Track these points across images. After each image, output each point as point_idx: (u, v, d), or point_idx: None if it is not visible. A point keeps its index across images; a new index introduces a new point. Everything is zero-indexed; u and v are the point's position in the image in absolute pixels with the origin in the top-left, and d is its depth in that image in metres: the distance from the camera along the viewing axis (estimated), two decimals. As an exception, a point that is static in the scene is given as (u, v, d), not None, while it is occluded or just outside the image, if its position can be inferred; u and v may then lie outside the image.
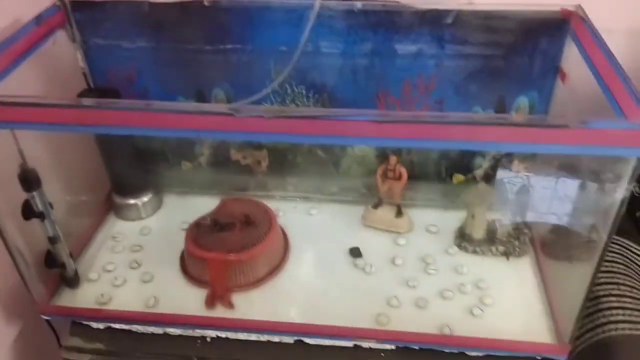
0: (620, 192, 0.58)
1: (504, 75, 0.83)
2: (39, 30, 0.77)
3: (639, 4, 0.89)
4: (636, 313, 0.90)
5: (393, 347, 0.78)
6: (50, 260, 0.81)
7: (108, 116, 0.60)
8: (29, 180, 0.74)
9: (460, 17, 0.78)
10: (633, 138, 0.53)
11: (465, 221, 0.89)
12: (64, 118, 0.60)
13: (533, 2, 0.76)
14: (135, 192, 0.97)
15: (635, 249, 1.03)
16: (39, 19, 0.77)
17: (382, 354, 0.77)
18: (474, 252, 0.88)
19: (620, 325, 0.89)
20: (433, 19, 0.79)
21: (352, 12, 0.80)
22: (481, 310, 0.80)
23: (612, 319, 0.90)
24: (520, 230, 0.88)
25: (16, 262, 0.77)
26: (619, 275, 0.97)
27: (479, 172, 0.92)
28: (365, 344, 0.78)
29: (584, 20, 0.73)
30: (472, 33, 0.80)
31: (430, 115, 0.56)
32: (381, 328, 0.77)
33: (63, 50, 0.84)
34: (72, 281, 0.85)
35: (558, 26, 0.77)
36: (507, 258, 0.87)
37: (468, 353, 0.76)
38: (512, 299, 0.81)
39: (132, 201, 0.96)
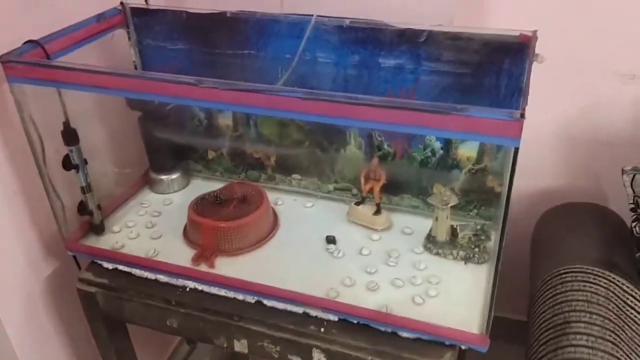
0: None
1: (475, 93, 0.92)
2: (99, 26, 0.99)
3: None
4: (600, 341, 0.91)
5: (336, 318, 0.87)
6: (82, 208, 1.01)
7: (121, 81, 0.78)
8: (69, 136, 0.94)
9: (432, 37, 0.89)
10: (505, 127, 0.61)
11: (432, 224, 0.96)
12: (94, 81, 0.80)
13: (498, 26, 0.86)
14: (166, 170, 1.15)
15: (623, 284, 1.03)
16: (99, 17, 0.99)
17: (325, 323, 0.87)
18: (437, 253, 0.95)
19: (580, 350, 0.91)
20: (410, 38, 0.91)
21: (343, 27, 0.94)
22: (422, 299, 0.87)
23: (574, 342, 0.93)
24: (479, 238, 0.94)
25: (53, 206, 0.97)
26: (595, 306, 0.99)
27: (456, 184, 1.00)
28: (313, 312, 0.88)
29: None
30: (443, 52, 0.90)
31: (342, 96, 0.68)
32: (327, 298, 0.87)
33: (119, 46, 1.06)
34: (98, 229, 1.04)
35: (518, 49, 0.85)
36: (465, 263, 0.93)
37: (400, 333, 0.84)
38: (454, 296, 0.87)
39: (162, 177, 1.15)
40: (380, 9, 0.95)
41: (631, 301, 1.03)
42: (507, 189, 0.67)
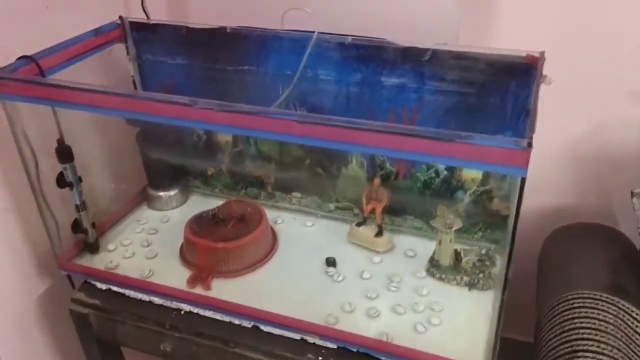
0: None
1: (480, 114, 0.89)
2: (96, 40, 0.97)
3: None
4: (608, 372, 0.88)
5: (334, 346, 0.84)
6: (76, 226, 0.99)
7: (114, 101, 0.76)
8: (64, 153, 0.92)
9: (437, 56, 0.87)
10: (510, 156, 0.58)
11: (435, 248, 0.93)
12: (86, 99, 0.77)
13: (504, 46, 0.83)
14: (164, 186, 1.13)
15: (633, 311, 1.00)
16: (97, 31, 0.97)
17: (323, 351, 0.84)
18: (440, 278, 0.92)
19: (586, 380, 0.87)
20: (414, 56, 0.88)
21: (345, 45, 0.91)
22: (425, 327, 0.84)
23: (580, 372, 0.89)
24: (484, 263, 0.90)
25: (46, 224, 0.95)
26: (604, 334, 0.95)
27: (461, 205, 0.97)
28: (311, 339, 0.85)
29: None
30: (448, 71, 0.87)
31: (341, 120, 0.65)
32: (326, 325, 0.84)
33: (117, 61, 1.04)
34: (92, 247, 1.01)
35: (525, 70, 0.82)
36: (469, 289, 0.90)
37: (400, 363, 0.80)
38: (458, 324, 0.84)
39: (160, 193, 1.13)
40: (384, 27, 0.93)
41: (642, 329, 0.99)
42: (514, 219, 0.63)
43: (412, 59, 0.88)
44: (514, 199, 0.62)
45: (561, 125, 1.20)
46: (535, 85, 0.73)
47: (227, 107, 0.69)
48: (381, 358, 0.82)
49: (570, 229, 1.26)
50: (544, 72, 0.79)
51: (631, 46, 1.07)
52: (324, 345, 0.84)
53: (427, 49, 0.86)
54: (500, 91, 0.86)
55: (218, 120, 0.70)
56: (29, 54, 0.85)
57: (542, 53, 0.80)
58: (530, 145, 0.57)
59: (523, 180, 0.60)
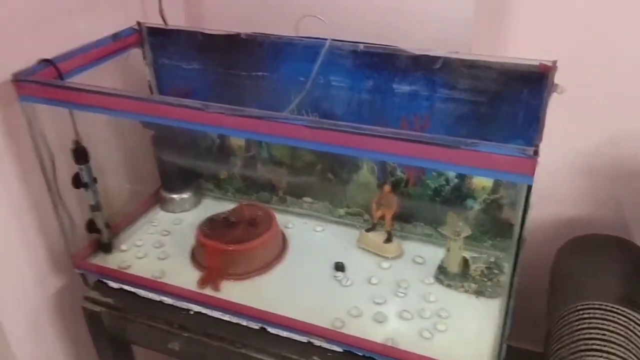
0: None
1: (491, 122, 0.89)
2: (114, 44, 0.99)
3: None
4: (617, 384, 0.87)
5: (341, 349, 0.84)
6: (91, 226, 1.01)
7: (128, 104, 0.78)
8: (80, 154, 0.94)
9: (448, 64, 0.87)
10: (517, 164, 0.58)
11: (444, 255, 0.94)
12: (101, 102, 0.79)
13: (519, 54, 0.83)
14: (178, 189, 1.15)
15: (644, 323, 0.99)
16: (115, 36, 1.00)
17: (329, 354, 0.85)
18: (448, 285, 0.92)
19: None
20: (426, 64, 0.89)
21: (357, 52, 0.92)
22: (431, 334, 0.84)
23: (589, 384, 0.88)
24: (492, 271, 0.90)
25: (61, 223, 0.97)
26: (613, 346, 0.94)
27: (471, 213, 0.97)
28: (317, 342, 0.85)
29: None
30: (460, 79, 0.88)
31: (347, 126, 0.66)
32: (332, 329, 0.85)
33: (134, 65, 1.06)
34: (106, 247, 1.03)
35: (537, 79, 0.82)
36: (477, 297, 0.90)
37: (406, 369, 0.81)
38: (464, 331, 0.84)
39: (173, 195, 1.15)
40: (397, 34, 0.94)
41: (652, 342, 0.98)
42: (520, 227, 0.64)
43: (424, 67, 0.89)
44: (520, 207, 0.62)
45: (576, 135, 1.19)
46: (546, 94, 0.73)
47: (238, 111, 0.71)
48: (387, 363, 0.82)
49: (583, 240, 1.25)
50: (556, 82, 0.80)
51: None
52: (330, 348, 0.85)
53: (439, 57, 0.87)
54: (512, 100, 0.86)
55: (229, 125, 0.71)
56: (50, 57, 0.88)
57: (554, 62, 0.80)
58: (536, 153, 0.58)
59: (529, 188, 0.60)
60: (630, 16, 1.03)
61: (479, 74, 0.86)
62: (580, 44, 1.07)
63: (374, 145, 0.65)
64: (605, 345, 0.94)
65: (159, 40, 1.06)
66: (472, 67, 0.86)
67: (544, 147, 1.23)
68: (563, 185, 1.27)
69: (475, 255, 0.93)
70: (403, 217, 1.02)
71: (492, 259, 0.92)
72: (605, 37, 1.06)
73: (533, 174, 0.59)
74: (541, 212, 1.32)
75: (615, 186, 1.24)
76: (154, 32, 1.06)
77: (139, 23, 1.04)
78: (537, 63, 0.82)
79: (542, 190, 1.27)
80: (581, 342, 0.96)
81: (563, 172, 1.26)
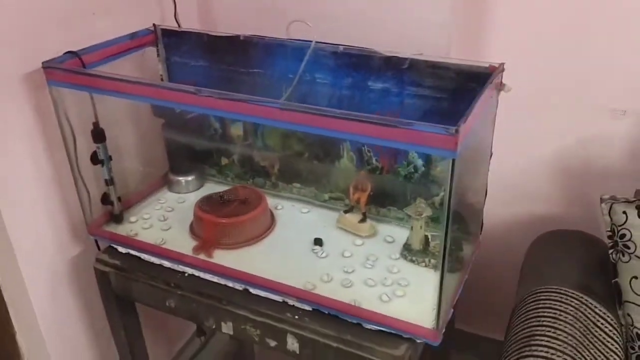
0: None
1: (452, 117, 1.01)
2: (132, 42, 1.15)
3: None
4: (559, 354, 0.98)
5: (310, 308, 0.97)
6: (105, 199, 1.16)
7: (136, 88, 0.93)
8: (98, 135, 1.09)
9: (414, 64, 1.00)
10: (443, 140, 0.71)
11: (409, 233, 1.06)
12: (112, 86, 0.95)
13: (491, 58, 0.96)
14: (183, 172, 1.30)
15: (596, 307, 1.09)
16: (133, 35, 1.15)
17: (300, 312, 0.97)
18: (411, 260, 1.04)
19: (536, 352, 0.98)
20: (395, 64, 1.02)
21: (338, 53, 1.06)
22: (389, 298, 0.96)
23: (535, 353, 0.99)
24: (451, 247, 1.02)
25: (80, 195, 1.12)
26: (562, 323, 1.05)
27: (437, 199, 1.09)
28: (291, 301, 0.98)
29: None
30: (424, 78, 1.01)
31: (308, 107, 0.79)
32: (304, 289, 0.97)
33: (149, 61, 1.22)
34: (117, 218, 1.18)
35: (488, 79, 0.95)
36: (435, 270, 1.02)
37: (364, 325, 0.93)
38: (419, 297, 0.96)
39: (180, 178, 1.29)
40: (380, 38, 1.07)
41: (601, 323, 1.08)
42: (448, 197, 0.76)
43: (394, 67, 1.02)
44: (447, 181, 0.75)
45: (550, 139, 1.30)
46: (482, 88, 0.85)
47: (224, 95, 0.85)
48: (347, 319, 0.94)
49: (553, 235, 1.35)
50: (504, 82, 0.92)
51: (614, 64, 1.17)
52: (301, 307, 0.98)
53: (406, 58, 1.00)
54: (468, 97, 0.98)
55: (218, 106, 0.86)
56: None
57: (502, 64, 0.93)
58: (457, 131, 0.70)
59: (454, 162, 0.73)
60: (601, 30, 1.15)
61: (441, 74, 0.99)
62: (553, 49, 1.18)
63: (331, 124, 0.78)
64: (554, 322, 1.05)
65: (171, 41, 1.22)
66: (434, 67, 0.99)
67: (519, 148, 1.36)
68: (538, 185, 1.38)
69: (435, 233, 1.04)
70: (378, 202, 1.14)
71: (450, 237, 1.04)
72: (577, 44, 1.17)
73: (456, 149, 0.72)
74: (518, 209, 1.43)
75: (585, 186, 1.34)
76: (167, 33, 1.21)
77: (154, 25, 1.20)
78: (487, 65, 0.94)
79: (516, 188, 1.39)
80: (533, 319, 1.07)
81: (538, 173, 1.37)
